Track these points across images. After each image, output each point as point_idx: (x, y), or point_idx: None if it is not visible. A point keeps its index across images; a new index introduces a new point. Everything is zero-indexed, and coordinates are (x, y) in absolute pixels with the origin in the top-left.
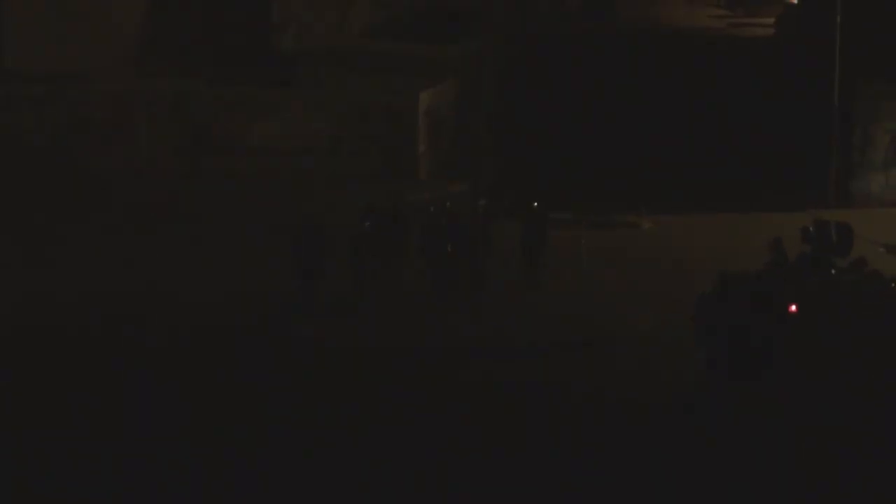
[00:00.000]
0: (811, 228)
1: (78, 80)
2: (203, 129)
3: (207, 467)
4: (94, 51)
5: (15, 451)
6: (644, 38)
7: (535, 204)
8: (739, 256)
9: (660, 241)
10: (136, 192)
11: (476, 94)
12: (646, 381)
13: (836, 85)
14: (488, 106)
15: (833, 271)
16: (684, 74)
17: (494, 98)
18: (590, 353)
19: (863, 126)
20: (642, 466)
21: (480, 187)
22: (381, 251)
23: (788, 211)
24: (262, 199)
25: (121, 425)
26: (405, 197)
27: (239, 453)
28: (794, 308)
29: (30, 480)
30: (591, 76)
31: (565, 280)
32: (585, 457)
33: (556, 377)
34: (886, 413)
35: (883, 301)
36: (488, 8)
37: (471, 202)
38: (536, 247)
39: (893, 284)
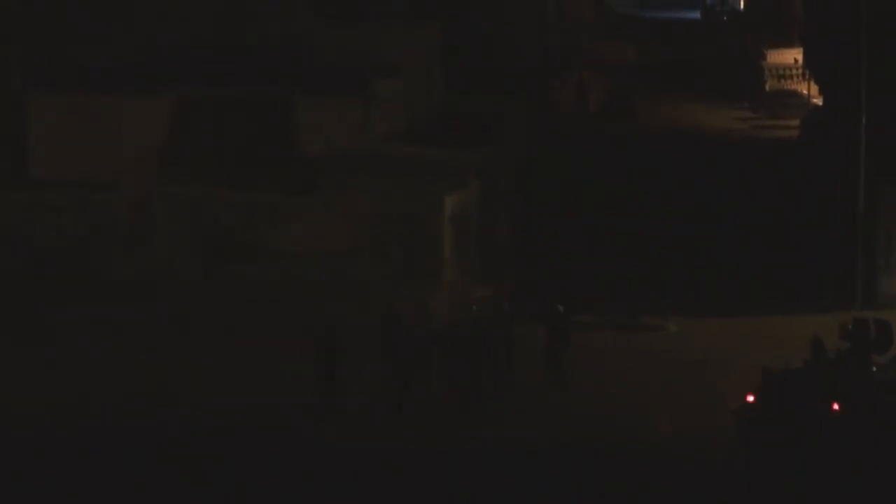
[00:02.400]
0: (850, 326)
1: (100, 187)
2: (224, 235)
3: None
4: (117, 157)
5: None
6: (667, 138)
7: (560, 307)
8: (768, 359)
9: (687, 343)
10: (156, 299)
11: (499, 198)
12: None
13: (860, 188)
14: (512, 209)
15: (874, 368)
16: (709, 175)
17: (518, 201)
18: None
19: (888, 228)
20: None
21: (505, 292)
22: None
23: (815, 313)
24: (283, 304)
25: None
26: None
27: None
28: (836, 406)
29: None
30: (614, 177)
31: (590, 383)
32: None
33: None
34: None
35: None
36: (510, 111)
37: (496, 307)
38: (561, 350)
39: None
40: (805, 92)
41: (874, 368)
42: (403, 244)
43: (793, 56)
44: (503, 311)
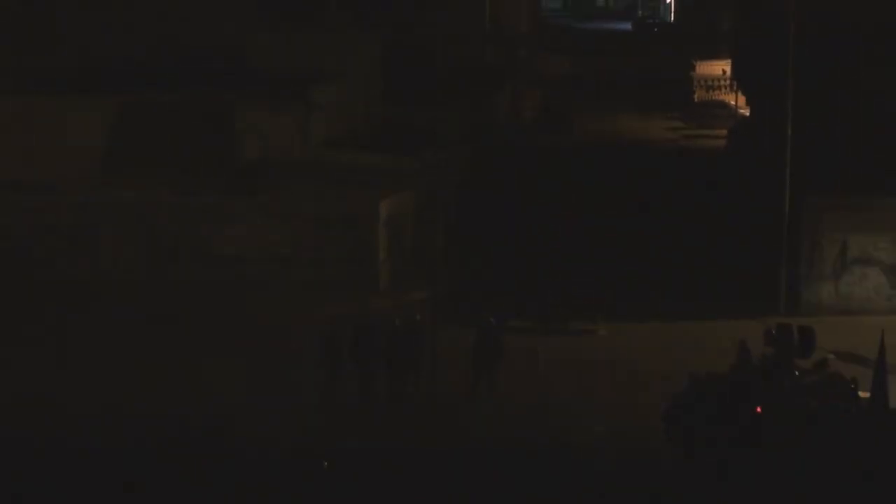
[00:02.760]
0: (774, 331)
1: (43, 189)
2: (166, 237)
3: None
4: (60, 160)
5: None
6: (599, 147)
7: (492, 320)
8: (695, 362)
9: (615, 347)
10: (100, 299)
11: (433, 204)
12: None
13: (785, 197)
14: (445, 215)
15: (796, 373)
16: (640, 184)
17: (451, 207)
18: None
19: (811, 236)
20: None
21: (438, 296)
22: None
23: (742, 318)
24: (224, 307)
25: None
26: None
27: None
28: (759, 409)
29: None
30: (548, 185)
31: (521, 386)
32: None
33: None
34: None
35: (845, 400)
36: (447, 121)
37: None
38: (492, 355)
39: (852, 385)
40: (733, 102)
41: (797, 373)
42: (340, 247)
43: (721, 67)
44: (422, 320)
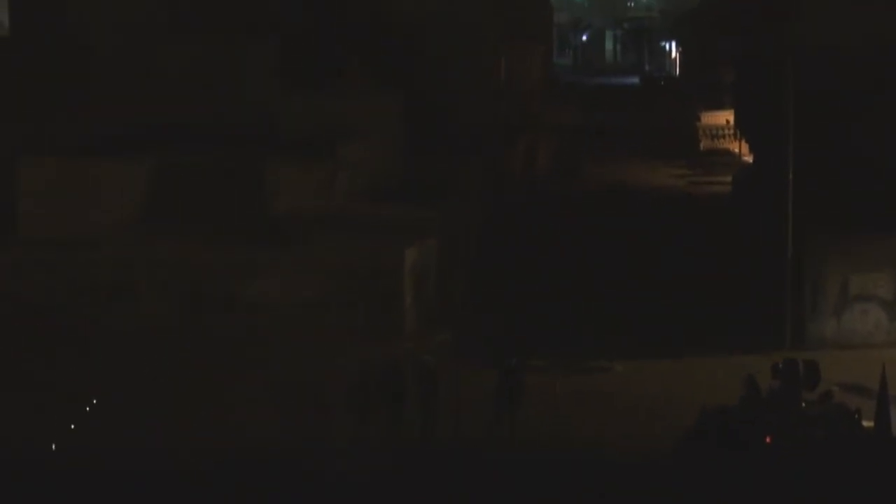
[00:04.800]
0: (781, 365)
1: (84, 246)
2: (202, 289)
3: None
4: (100, 218)
5: None
6: (610, 195)
7: (513, 361)
8: (706, 396)
9: (630, 383)
10: (140, 349)
11: (455, 251)
12: None
13: (788, 238)
14: (467, 262)
15: (803, 404)
16: (650, 228)
17: (472, 254)
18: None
19: (814, 275)
20: None
21: (459, 338)
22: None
23: (749, 354)
24: (259, 354)
25: None
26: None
27: None
28: (769, 439)
29: None
30: (562, 231)
31: (542, 423)
32: None
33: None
34: None
35: (849, 430)
36: (466, 172)
37: (450, 353)
38: (513, 395)
39: (856, 415)
40: (736, 150)
41: (803, 404)
42: (367, 295)
43: (724, 118)
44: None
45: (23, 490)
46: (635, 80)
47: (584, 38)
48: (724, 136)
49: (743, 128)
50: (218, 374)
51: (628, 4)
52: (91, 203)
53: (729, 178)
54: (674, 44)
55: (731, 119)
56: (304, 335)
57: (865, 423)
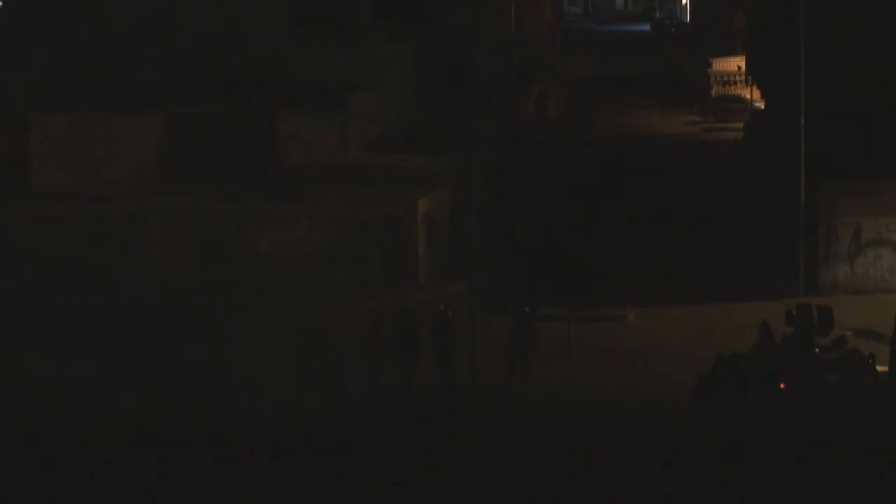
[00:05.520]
0: (794, 311)
1: (98, 199)
2: (215, 241)
3: None
4: (113, 171)
5: None
6: (623, 143)
7: (527, 308)
8: (720, 342)
9: (644, 331)
10: (153, 301)
11: (467, 200)
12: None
13: (801, 184)
14: (480, 211)
15: (817, 349)
16: (663, 175)
17: (484, 202)
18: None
19: (827, 221)
20: None
21: (474, 288)
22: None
23: (762, 300)
24: (272, 304)
25: None
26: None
27: None
28: (783, 385)
29: None
30: (575, 180)
31: (556, 372)
32: None
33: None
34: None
35: (863, 374)
36: (478, 122)
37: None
38: (527, 343)
39: (871, 359)
40: (748, 96)
41: (817, 350)
42: (380, 246)
43: (736, 64)
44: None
45: (28, 440)
46: (646, 27)
47: None
48: (735, 83)
49: (754, 74)
50: (231, 325)
51: None
52: (104, 157)
53: (741, 125)
54: None
55: (743, 65)
56: (317, 286)
57: (879, 368)
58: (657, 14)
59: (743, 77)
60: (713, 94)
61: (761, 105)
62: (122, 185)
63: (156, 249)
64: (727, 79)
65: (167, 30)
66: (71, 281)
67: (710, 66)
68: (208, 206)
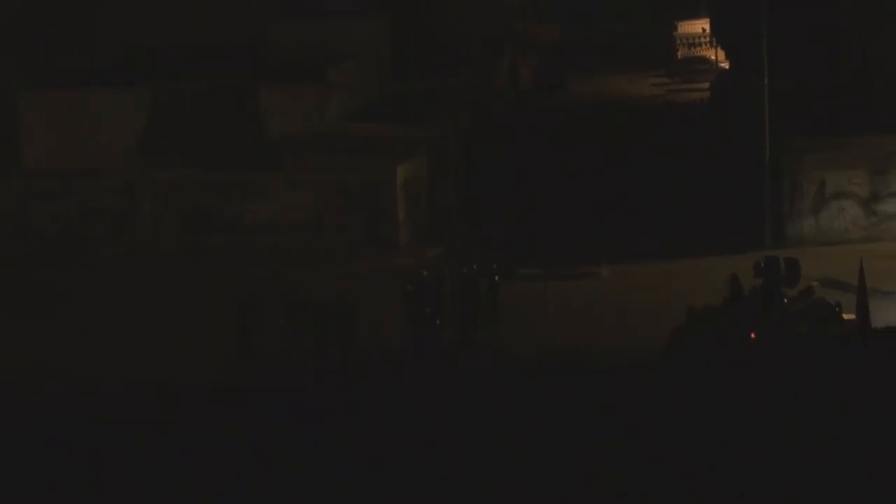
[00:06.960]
0: (762, 263)
1: (87, 174)
2: (202, 212)
3: None
4: (101, 147)
5: None
6: (592, 106)
7: (494, 265)
8: (691, 296)
9: (617, 287)
10: (143, 271)
11: (445, 166)
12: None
13: (766, 141)
14: (456, 176)
15: (785, 300)
16: (631, 136)
17: (461, 168)
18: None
19: (791, 177)
20: None
21: (454, 251)
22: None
23: (729, 254)
24: (257, 272)
25: None
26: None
27: None
28: (753, 335)
29: None
30: (547, 143)
31: (533, 327)
32: None
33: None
34: (835, 420)
35: (830, 322)
36: (452, 89)
37: (448, 265)
38: (495, 301)
39: (837, 308)
40: (713, 57)
41: (785, 300)
42: (362, 213)
43: (700, 26)
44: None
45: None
46: None
47: None
48: (700, 44)
49: (719, 35)
50: (219, 294)
51: None
52: (91, 133)
53: (707, 86)
54: None
55: (707, 27)
56: (301, 253)
57: (846, 316)
58: None
59: (708, 39)
60: (679, 57)
61: (726, 65)
62: (110, 160)
63: (144, 222)
64: (692, 41)
65: (149, 5)
66: (63, 255)
67: (675, 28)
68: (194, 179)
